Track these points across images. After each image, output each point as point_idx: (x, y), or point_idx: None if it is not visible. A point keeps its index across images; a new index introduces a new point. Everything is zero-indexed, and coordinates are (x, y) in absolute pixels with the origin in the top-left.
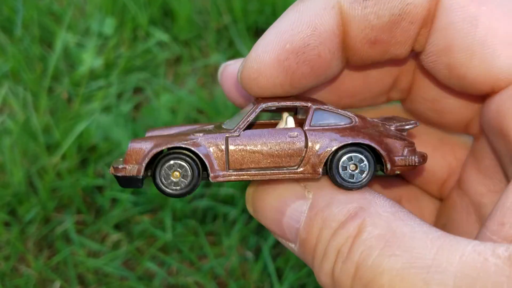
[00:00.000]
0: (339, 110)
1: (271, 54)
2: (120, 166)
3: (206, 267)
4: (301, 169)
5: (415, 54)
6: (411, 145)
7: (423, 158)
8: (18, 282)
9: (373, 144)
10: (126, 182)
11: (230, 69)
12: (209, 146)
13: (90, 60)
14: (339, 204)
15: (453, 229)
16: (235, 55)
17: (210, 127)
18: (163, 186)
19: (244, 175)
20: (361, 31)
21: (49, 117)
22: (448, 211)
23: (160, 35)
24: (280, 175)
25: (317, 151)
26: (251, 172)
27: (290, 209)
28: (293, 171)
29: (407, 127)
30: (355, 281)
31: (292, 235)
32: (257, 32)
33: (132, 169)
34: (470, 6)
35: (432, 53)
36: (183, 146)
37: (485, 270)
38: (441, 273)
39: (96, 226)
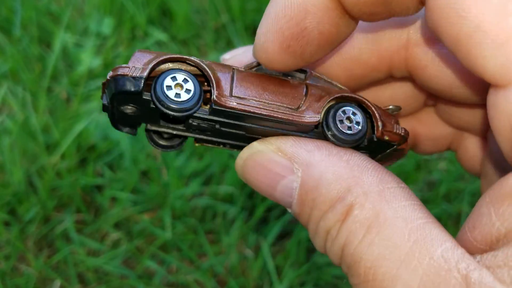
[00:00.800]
0: (334, 82)
1: (274, 43)
2: (123, 65)
3: (205, 265)
4: (301, 111)
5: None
6: (396, 119)
7: (407, 134)
8: (18, 281)
9: (367, 101)
10: (124, 84)
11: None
12: (216, 69)
13: (88, 60)
14: (327, 185)
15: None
16: None
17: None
18: (166, 91)
19: (245, 105)
20: None
21: (48, 116)
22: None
23: (158, 35)
24: (280, 113)
25: (316, 98)
26: (253, 103)
27: (281, 186)
28: (293, 112)
29: (390, 107)
30: (342, 263)
31: (287, 205)
32: (255, 31)
33: (136, 69)
34: None
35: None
36: (193, 59)
37: (446, 281)
38: (409, 273)
39: (95, 225)
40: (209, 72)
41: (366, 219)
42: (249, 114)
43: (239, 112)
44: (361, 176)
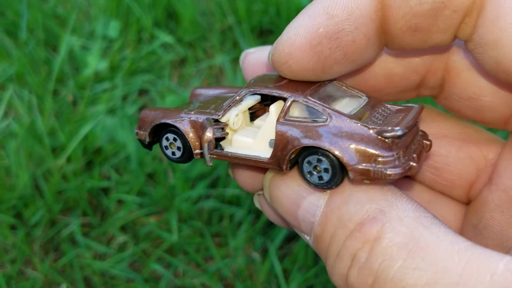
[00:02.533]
0: (318, 104)
1: (303, 37)
2: (136, 130)
3: (212, 269)
4: (269, 159)
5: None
6: (386, 156)
7: (404, 169)
8: (24, 285)
9: (332, 153)
10: (142, 146)
11: (251, 57)
12: (191, 125)
13: (95, 63)
14: (357, 203)
15: (486, 229)
16: (240, 55)
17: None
18: (166, 151)
19: (220, 155)
20: (402, 17)
21: (54, 120)
22: (479, 211)
23: (165, 37)
24: (250, 161)
25: (282, 146)
26: (227, 153)
27: (306, 202)
28: (263, 159)
29: (383, 134)
30: None
31: (307, 228)
32: (261, 32)
33: (142, 134)
34: None
35: (480, 45)
36: (169, 122)
37: None
38: None
39: (102, 228)
40: (184, 135)
41: (404, 244)
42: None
43: (224, 159)
44: (395, 201)
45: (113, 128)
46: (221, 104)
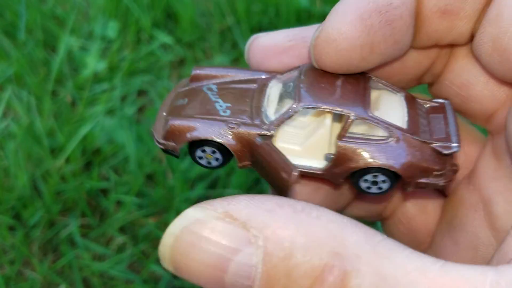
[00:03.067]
0: (380, 122)
1: (353, 12)
2: (160, 141)
3: None
4: (323, 171)
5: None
6: (442, 169)
7: (447, 181)
8: (23, 286)
9: (400, 174)
10: (164, 151)
11: (261, 41)
12: (237, 140)
13: (93, 64)
14: (304, 252)
15: (459, 226)
16: (239, 56)
17: (254, 86)
18: (199, 160)
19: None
20: None
21: (53, 120)
22: (454, 207)
23: (164, 38)
24: (305, 169)
25: (341, 164)
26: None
27: (234, 264)
28: (316, 170)
29: (441, 150)
30: None
31: None
32: (260, 32)
33: (171, 146)
34: None
35: (482, 25)
36: (220, 141)
37: None
38: None
39: (100, 229)
40: (232, 152)
41: (374, 286)
42: None
43: None
44: (342, 235)
45: (112, 129)
46: (253, 106)
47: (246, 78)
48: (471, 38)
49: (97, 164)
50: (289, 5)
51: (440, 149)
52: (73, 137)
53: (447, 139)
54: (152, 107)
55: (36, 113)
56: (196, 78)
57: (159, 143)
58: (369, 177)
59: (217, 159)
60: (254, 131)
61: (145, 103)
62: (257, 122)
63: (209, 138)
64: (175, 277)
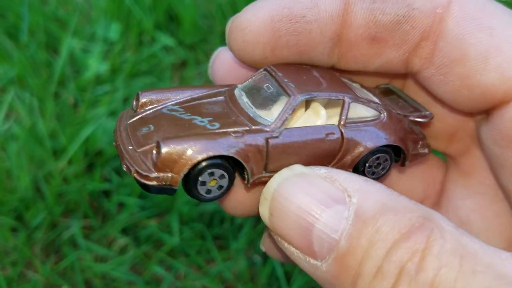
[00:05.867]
0: (370, 99)
1: (267, 10)
2: (152, 175)
3: (213, 271)
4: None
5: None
6: (424, 138)
7: (429, 149)
8: (25, 287)
9: (403, 148)
10: (156, 190)
11: (226, 55)
12: (249, 150)
13: (96, 65)
14: (396, 212)
15: None
16: None
17: (221, 98)
18: (197, 193)
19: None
20: (365, 24)
21: (56, 122)
22: None
23: (166, 40)
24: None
25: (351, 152)
26: None
27: (326, 216)
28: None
29: (420, 120)
30: None
31: (323, 249)
32: None
33: (167, 178)
34: (483, 18)
35: (444, 64)
36: (232, 156)
37: None
38: None
39: (103, 230)
40: (246, 167)
41: (455, 249)
42: None
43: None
44: (430, 210)
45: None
46: (238, 115)
47: (206, 93)
48: (405, 67)
49: (99, 166)
50: None
51: (419, 119)
52: (75, 138)
53: (417, 111)
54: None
55: (39, 114)
56: (145, 105)
57: (149, 179)
58: (372, 161)
59: (220, 187)
60: (262, 136)
61: None
62: (256, 127)
63: (218, 154)
64: (177, 278)
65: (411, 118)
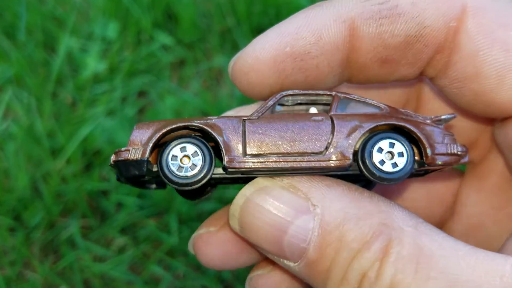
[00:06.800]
0: (368, 99)
1: (269, 52)
2: (123, 149)
3: (212, 271)
4: (328, 155)
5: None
6: (451, 134)
7: (466, 149)
8: (23, 287)
9: (408, 126)
10: (127, 169)
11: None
12: (224, 128)
13: (94, 64)
14: (357, 221)
15: None
16: None
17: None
18: (170, 174)
19: (262, 162)
20: (373, 48)
21: (54, 121)
22: None
23: (164, 39)
24: (303, 163)
25: (345, 134)
26: (271, 158)
27: (294, 227)
28: (319, 158)
29: (444, 117)
30: None
31: (294, 255)
32: (260, 33)
33: (136, 151)
34: (498, 32)
35: (458, 79)
36: (197, 124)
37: None
38: None
39: (101, 230)
40: (217, 138)
41: (411, 255)
42: (268, 170)
43: (256, 171)
44: (390, 211)
45: (113, 130)
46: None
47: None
48: (420, 75)
49: (97, 165)
50: (290, 6)
51: (443, 117)
52: (74, 138)
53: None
54: (152, 108)
55: (37, 114)
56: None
57: (120, 155)
58: (384, 144)
59: (194, 166)
60: (238, 118)
61: (146, 104)
62: (244, 116)
63: (186, 124)
64: (175, 278)
65: (434, 118)
